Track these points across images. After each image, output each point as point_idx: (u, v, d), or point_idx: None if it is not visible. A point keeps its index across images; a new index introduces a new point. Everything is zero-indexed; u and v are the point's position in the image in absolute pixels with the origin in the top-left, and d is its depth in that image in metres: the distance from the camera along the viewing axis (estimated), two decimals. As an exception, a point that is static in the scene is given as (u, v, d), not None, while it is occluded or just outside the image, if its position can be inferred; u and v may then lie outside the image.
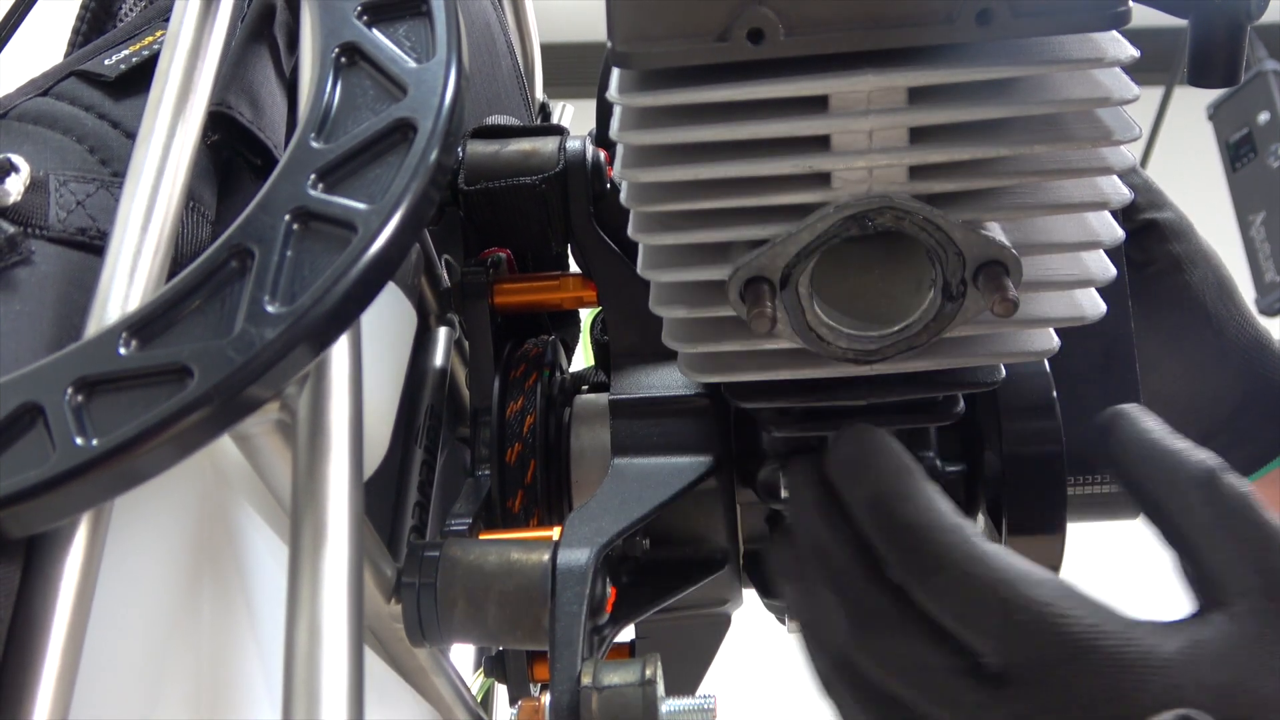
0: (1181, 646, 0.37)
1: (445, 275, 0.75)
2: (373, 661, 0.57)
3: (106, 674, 0.43)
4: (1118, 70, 0.46)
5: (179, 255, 0.48)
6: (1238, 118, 2.39)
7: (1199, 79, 0.55)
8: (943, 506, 0.43)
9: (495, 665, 0.63)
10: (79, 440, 0.37)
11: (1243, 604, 0.38)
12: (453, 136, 0.43)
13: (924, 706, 0.42)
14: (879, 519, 0.44)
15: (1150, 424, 0.45)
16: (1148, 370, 0.65)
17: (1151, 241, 0.64)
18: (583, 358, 0.74)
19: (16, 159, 0.47)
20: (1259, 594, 0.37)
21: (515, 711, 0.64)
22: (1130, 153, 0.49)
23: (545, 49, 1.11)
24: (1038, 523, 0.55)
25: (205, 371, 0.37)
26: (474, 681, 0.81)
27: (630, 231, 0.49)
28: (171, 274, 0.44)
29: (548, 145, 0.63)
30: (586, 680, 0.48)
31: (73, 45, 0.62)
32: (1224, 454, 0.65)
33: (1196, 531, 0.42)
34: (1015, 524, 0.55)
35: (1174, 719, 0.34)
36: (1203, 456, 0.43)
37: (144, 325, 0.39)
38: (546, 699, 0.63)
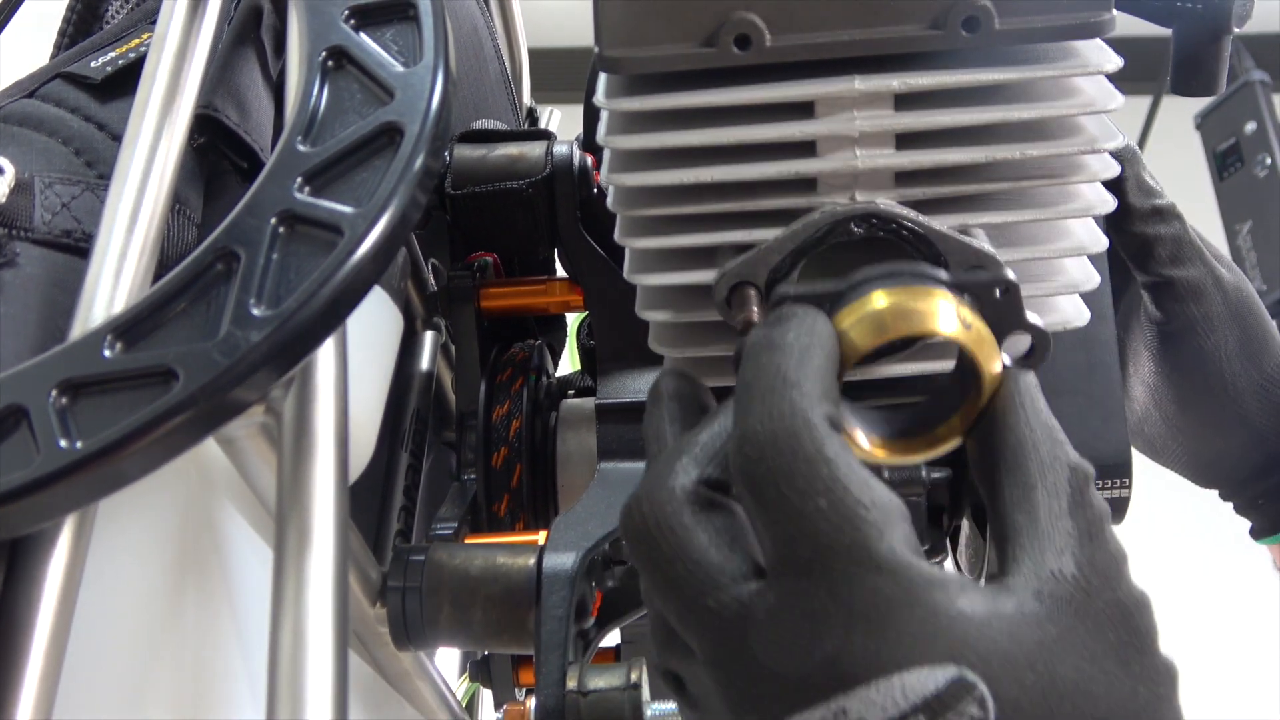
0: (980, 608, 0.34)
1: (432, 279, 0.76)
2: (357, 666, 0.57)
3: (90, 676, 0.43)
4: (1102, 78, 0.46)
5: (164, 258, 0.48)
6: (1225, 127, 2.40)
7: (1182, 87, 0.55)
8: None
9: (480, 669, 0.63)
10: (63, 442, 0.37)
11: (1053, 586, 0.35)
12: (440, 141, 0.43)
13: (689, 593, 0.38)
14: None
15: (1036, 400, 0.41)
16: (1171, 424, 0.64)
17: (1168, 300, 0.61)
18: (569, 362, 0.74)
19: (2, 161, 0.46)
20: (1072, 584, 0.35)
21: (500, 716, 0.64)
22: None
23: (533, 54, 1.11)
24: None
25: (190, 374, 0.37)
26: (459, 686, 0.81)
27: (617, 236, 0.49)
28: (157, 277, 0.44)
29: (535, 150, 0.63)
30: (572, 684, 0.49)
31: (59, 47, 0.62)
32: (1252, 509, 0.65)
33: (1032, 507, 0.38)
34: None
35: (947, 679, 0.32)
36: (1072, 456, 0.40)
37: (129, 327, 0.39)
38: (532, 703, 0.63)
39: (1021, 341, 0.42)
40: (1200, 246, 0.61)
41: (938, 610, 0.34)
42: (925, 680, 0.32)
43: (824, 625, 0.34)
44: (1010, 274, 0.42)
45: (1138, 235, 0.60)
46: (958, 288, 0.41)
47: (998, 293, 0.41)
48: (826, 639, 0.34)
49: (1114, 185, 0.60)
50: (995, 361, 0.41)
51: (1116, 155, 0.60)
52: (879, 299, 0.40)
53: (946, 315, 0.40)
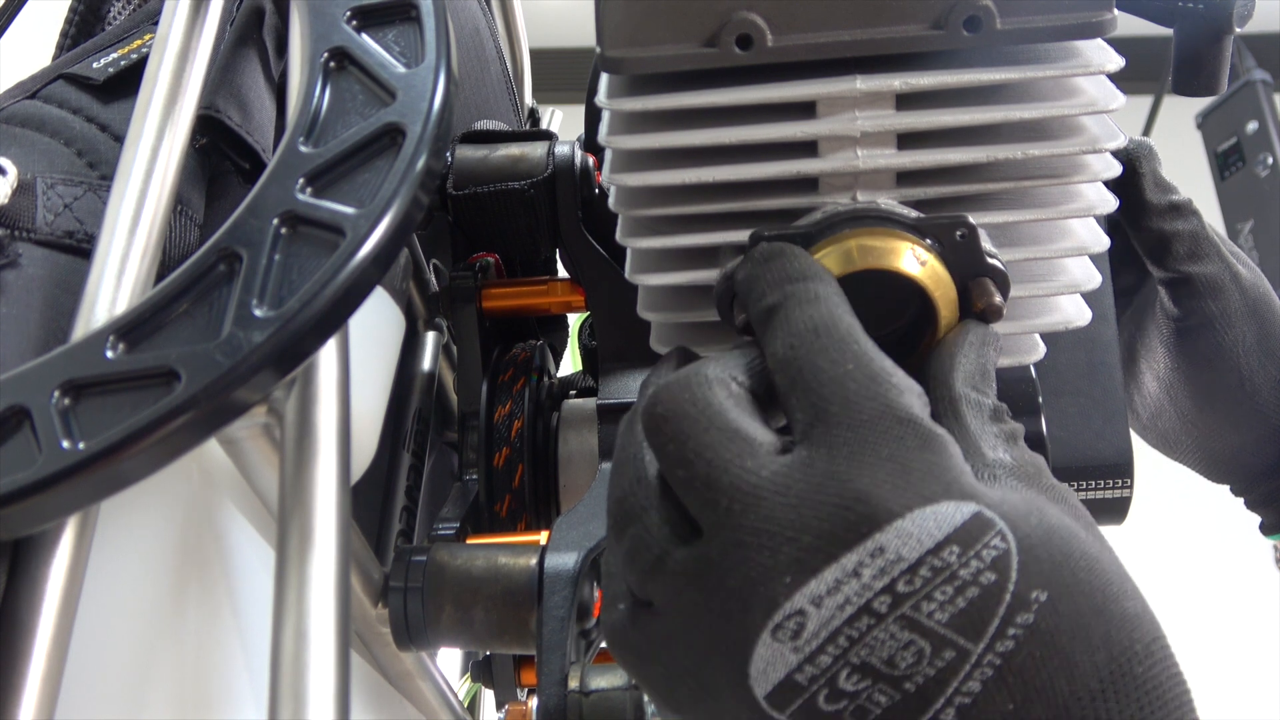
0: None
1: (434, 280, 0.76)
2: (359, 666, 0.57)
3: (92, 677, 0.43)
4: (1103, 78, 0.46)
5: (166, 259, 0.48)
6: (1226, 127, 2.41)
7: (1183, 87, 0.55)
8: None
9: (482, 670, 0.63)
10: (66, 443, 0.37)
11: (1001, 471, 0.39)
12: (441, 141, 0.43)
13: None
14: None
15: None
16: (1186, 419, 0.64)
17: (1185, 295, 0.61)
18: (570, 362, 0.74)
19: (4, 162, 0.47)
20: (1013, 469, 0.39)
21: (502, 716, 0.64)
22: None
23: (534, 54, 1.11)
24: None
25: (192, 375, 0.37)
26: (461, 686, 0.81)
27: (618, 236, 0.49)
28: (159, 278, 0.44)
29: (536, 150, 0.63)
30: (574, 684, 0.49)
31: (61, 48, 0.62)
32: (1265, 504, 0.65)
33: (959, 416, 0.41)
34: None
35: (972, 512, 0.35)
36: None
37: (131, 328, 0.39)
38: (534, 703, 0.63)
39: (983, 295, 0.44)
40: (1217, 242, 0.61)
41: (953, 459, 0.36)
42: (953, 513, 0.35)
43: (853, 468, 0.36)
44: (968, 217, 0.44)
45: (1155, 231, 0.60)
46: (919, 230, 0.44)
47: (958, 235, 0.44)
48: (856, 480, 0.35)
49: (1130, 181, 0.60)
50: (952, 303, 0.44)
51: (1133, 150, 0.60)
52: (846, 237, 0.44)
53: (908, 254, 0.44)
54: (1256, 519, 0.66)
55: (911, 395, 0.38)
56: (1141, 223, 0.60)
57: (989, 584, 0.34)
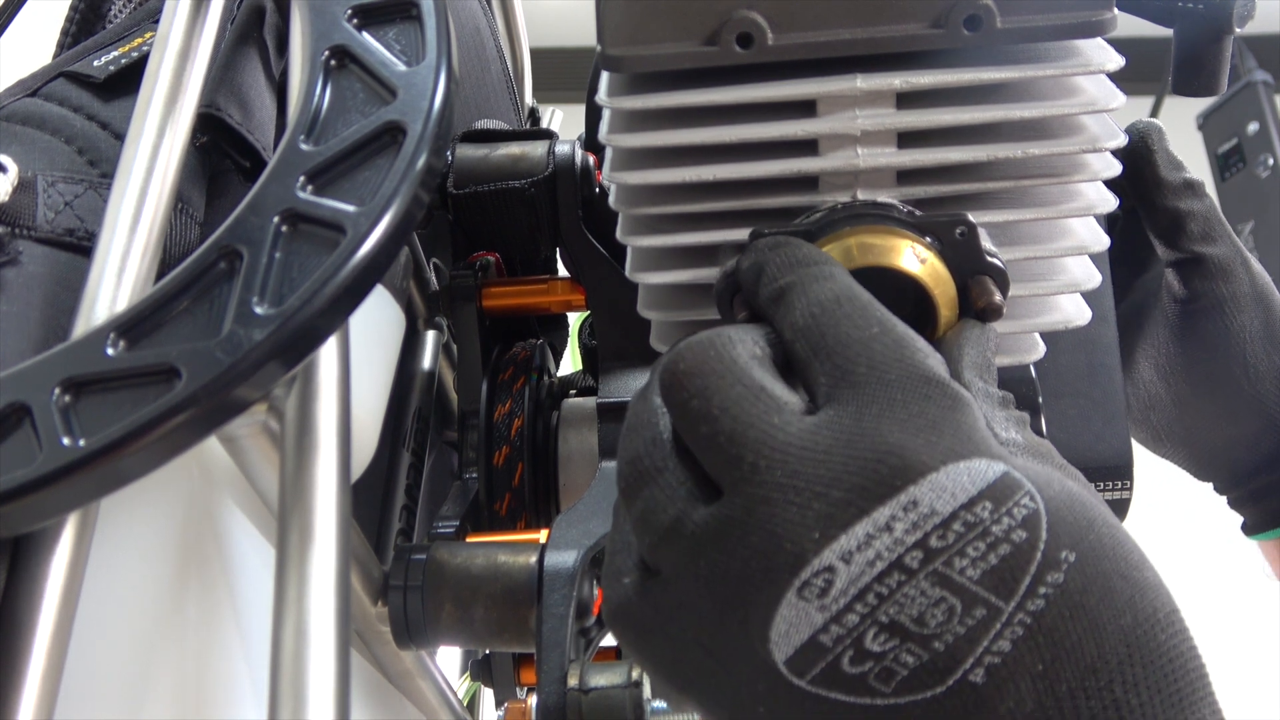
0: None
1: (434, 278, 0.76)
2: (359, 664, 0.57)
3: (92, 675, 0.43)
4: (1103, 77, 0.46)
5: (167, 257, 0.48)
6: (1227, 128, 2.41)
7: (1184, 87, 0.55)
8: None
9: (482, 668, 0.63)
10: (66, 440, 0.37)
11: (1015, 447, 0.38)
12: (442, 140, 0.43)
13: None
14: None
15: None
16: (1183, 409, 0.64)
17: (1195, 277, 0.61)
18: (570, 361, 0.74)
19: (4, 159, 0.47)
20: (1025, 446, 0.38)
21: (502, 714, 0.64)
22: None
23: (535, 54, 1.11)
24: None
25: (193, 372, 0.37)
26: (460, 685, 0.81)
27: (618, 234, 0.49)
28: (159, 275, 0.44)
29: (537, 149, 0.63)
30: (573, 682, 0.49)
31: (61, 46, 0.62)
32: (1251, 502, 0.64)
33: None
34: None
35: (1002, 471, 0.34)
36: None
37: (132, 326, 0.39)
38: (533, 702, 0.63)
39: (983, 294, 0.44)
40: (1228, 225, 0.61)
41: (980, 421, 0.36)
42: (985, 469, 0.34)
43: (884, 424, 0.35)
44: (968, 216, 0.44)
45: (1169, 209, 0.60)
46: (919, 229, 0.44)
47: (958, 233, 0.44)
48: (888, 435, 0.35)
49: (1143, 159, 0.59)
50: (952, 301, 0.45)
51: (1143, 129, 0.59)
52: (846, 235, 0.44)
53: (907, 252, 0.44)
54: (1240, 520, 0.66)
55: (936, 359, 0.38)
56: (1155, 201, 0.60)
57: (1020, 541, 0.33)
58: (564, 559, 0.52)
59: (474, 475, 0.62)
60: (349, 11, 0.47)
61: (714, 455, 0.37)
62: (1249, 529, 0.65)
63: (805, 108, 0.46)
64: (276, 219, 0.41)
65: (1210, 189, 0.60)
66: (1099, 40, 0.46)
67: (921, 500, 0.33)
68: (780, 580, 0.34)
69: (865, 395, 0.36)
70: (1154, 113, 2.49)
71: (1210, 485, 0.66)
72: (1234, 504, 0.65)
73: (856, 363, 0.37)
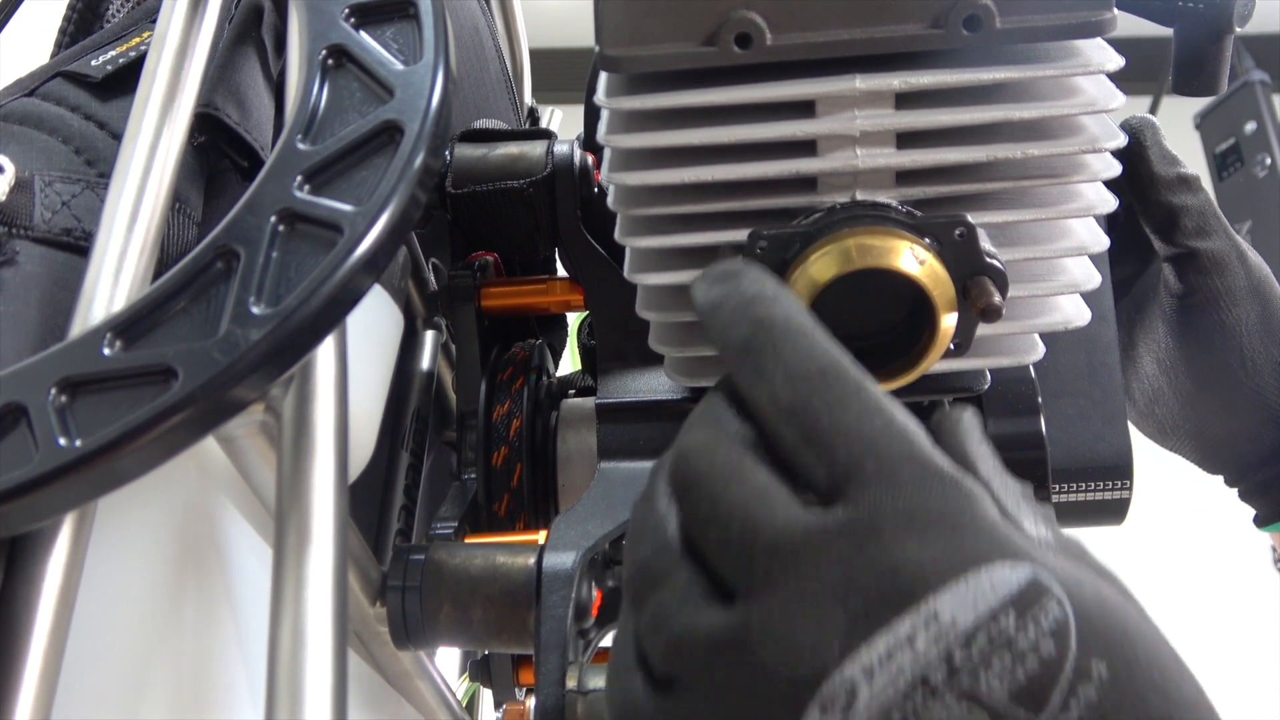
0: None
1: (432, 278, 0.75)
2: (357, 665, 0.57)
3: (89, 675, 0.43)
4: (1103, 77, 0.46)
5: (164, 256, 0.48)
6: (1225, 127, 2.41)
7: (1183, 87, 0.55)
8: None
9: (480, 669, 0.63)
10: (62, 441, 0.37)
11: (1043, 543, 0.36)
12: (440, 139, 0.43)
13: None
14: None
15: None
16: (1186, 403, 0.63)
17: (1190, 271, 0.60)
18: (569, 362, 0.74)
19: (2, 159, 0.46)
20: (1055, 544, 0.36)
21: (500, 715, 0.64)
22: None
23: (534, 54, 1.11)
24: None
25: (190, 373, 0.37)
26: (459, 686, 0.81)
27: (617, 235, 0.49)
28: (157, 275, 0.43)
29: (535, 149, 0.63)
30: (572, 684, 0.48)
31: (59, 46, 0.62)
32: (1260, 494, 0.64)
33: (998, 499, 0.38)
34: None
35: (1028, 576, 0.32)
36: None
37: (129, 326, 0.39)
38: (532, 703, 0.63)
39: (982, 295, 0.44)
40: (1224, 219, 0.61)
41: (996, 516, 0.34)
42: (1009, 576, 0.32)
43: (900, 528, 0.33)
44: (967, 217, 0.44)
45: (1164, 204, 0.60)
46: (918, 230, 0.44)
47: (957, 234, 0.44)
48: (905, 541, 0.33)
49: (1137, 155, 0.59)
50: (951, 302, 0.44)
51: (1137, 125, 0.59)
52: (845, 236, 0.44)
53: (906, 253, 0.44)
54: (1251, 513, 0.66)
55: (937, 449, 0.36)
56: (1149, 196, 0.60)
57: (1048, 654, 0.31)
58: (563, 560, 0.52)
59: (473, 476, 0.62)
60: (346, 11, 0.47)
61: (726, 559, 0.35)
62: (1260, 521, 0.65)
63: (804, 108, 0.45)
64: (274, 219, 0.41)
65: (1208, 188, 0.60)
66: (1099, 40, 0.46)
67: (943, 612, 0.32)
68: (801, 696, 0.32)
69: (876, 496, 0.34)
70: (1152, 112, 2.49)
71: (1220, 479, 0.66)
72: (1244, 496, 0.65)
73: (863, 459, 0.35)
